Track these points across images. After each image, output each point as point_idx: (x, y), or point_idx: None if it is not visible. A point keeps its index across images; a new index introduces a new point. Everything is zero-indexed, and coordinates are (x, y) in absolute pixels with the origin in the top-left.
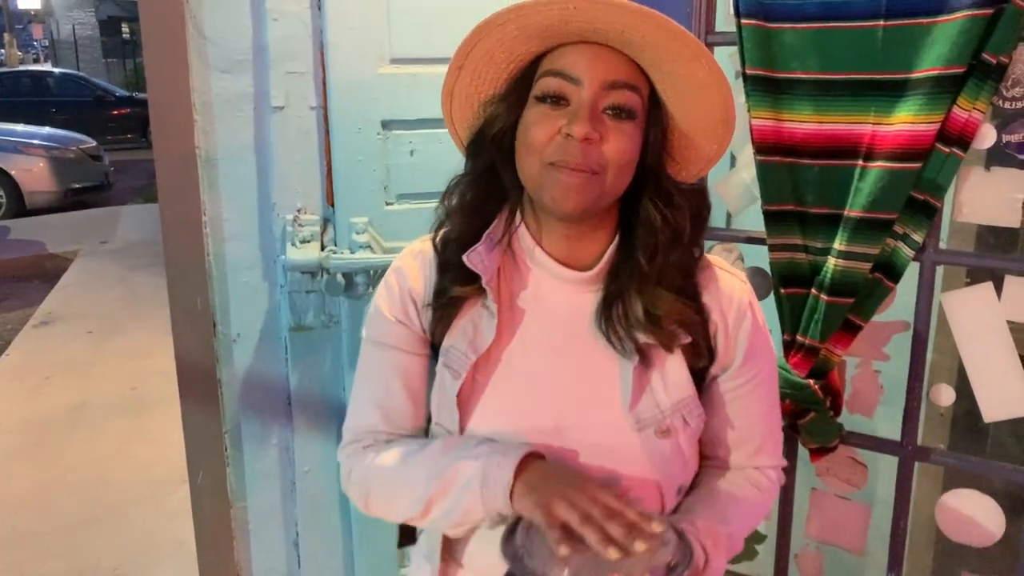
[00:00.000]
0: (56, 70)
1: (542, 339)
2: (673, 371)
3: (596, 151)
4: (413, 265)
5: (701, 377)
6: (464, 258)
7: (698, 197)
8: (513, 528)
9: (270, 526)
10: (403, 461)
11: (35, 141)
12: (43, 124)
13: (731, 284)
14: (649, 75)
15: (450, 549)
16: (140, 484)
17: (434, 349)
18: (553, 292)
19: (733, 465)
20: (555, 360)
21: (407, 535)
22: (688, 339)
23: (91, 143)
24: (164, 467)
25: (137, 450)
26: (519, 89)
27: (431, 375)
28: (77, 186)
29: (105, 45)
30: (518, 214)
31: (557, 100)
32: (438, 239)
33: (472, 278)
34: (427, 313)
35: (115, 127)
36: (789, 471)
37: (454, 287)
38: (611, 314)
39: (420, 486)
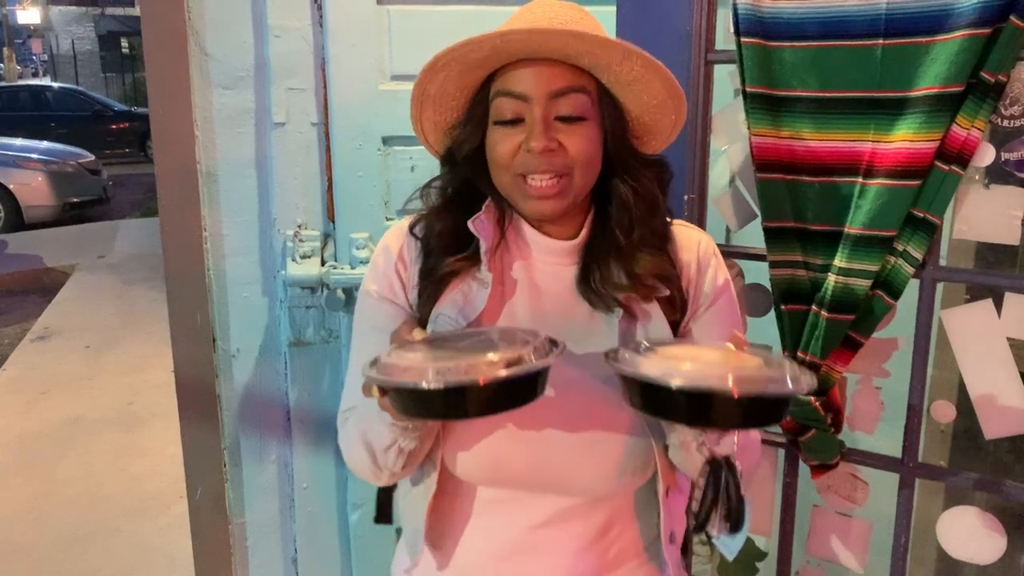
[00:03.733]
0: (55, 84)
1: (532, 306)
2: (655, 323)
3: (559, 156)
4: (397, 242)
5: (675, 331)
6: (470, 223)
7: (659, 167)
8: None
9: (268, 542)
10: (354, 419)
11: (33, 155)
12: (41, 138)
13: (696, 236)
14: (592, 73)
15: (433, 541)
16: (135, 499)
17: (423, 324)
18: (543, 265)
19: None
20: (543, 324)
21: (384, 512)
22: (667, 292)
23: (89, 157)
24: (159, 482)
25: (132, 465)
26: (477, 112)
27: None
28: (75, 200)
29: (104, 60)
30: (506, 203)
31: (513, 120)
32: (418, 228)
33: (462, 250)
34: (414, 291)
35: (113, 141)
36: (790, 488)
37: (445, 261)
38: (590, 280)
39: (357, 431)
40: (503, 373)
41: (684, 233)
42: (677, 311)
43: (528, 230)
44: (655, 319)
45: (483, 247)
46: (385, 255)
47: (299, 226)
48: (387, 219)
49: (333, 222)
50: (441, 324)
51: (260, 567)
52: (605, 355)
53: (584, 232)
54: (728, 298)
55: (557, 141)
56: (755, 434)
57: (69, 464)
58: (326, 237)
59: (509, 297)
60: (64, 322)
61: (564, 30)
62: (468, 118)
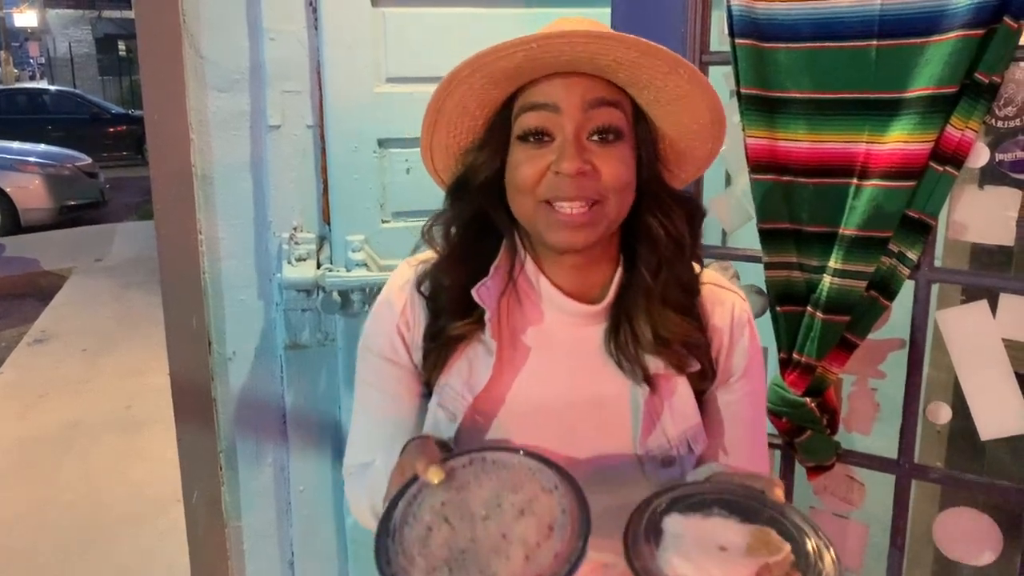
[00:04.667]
0: (52, 87)
1: (548, 376)
2: (681, 400)
3: (591, 182)
4: (401, 298)
5: (700, 399)
6: (473, 292)
7: (691, 204)
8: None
9: (265, 546)
10: (367, 483)
11: (30, 158)
12: (38, 141)
13: (731, 301)
14: (628, 91)
15: None
16: (134, 503)
17: (428, 386)
18: (560, 327)
19: None
20: (561, 396)
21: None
22: (697, 367)
23: (86, 160)
24: (158, 486)
25: (131, 469)
26: (498, 133)
27: (425, 408)
28: (72, 203)
29: (101, 63)
30: (521, 249)
31: (540, 136)
32: (425, 287)
33: (469, 313)
34: (419, 352)
35: (111, 144)
36: (786, 490)
37: (451, 325)
38: (620, 338)
39: (368, 498)
40: None
41: (717, 295)
42: (706, 380)
43: (547, 289)
44: (680, 396)
45: (487, 315)
46: (389, 311)
47: (295, 229)
48: (383, 221)
49: (329, 225)
50: (447, 396)
51: (257, 571)
52: (625, 532)
53: (613, 291)
54: (758, 366)
55: (591, 164)
56: None
57: (68, 468)
58: (322, 240)
59: (520, 365)
60: (61, 325)
61: (609, 33)
62: (487, 139)
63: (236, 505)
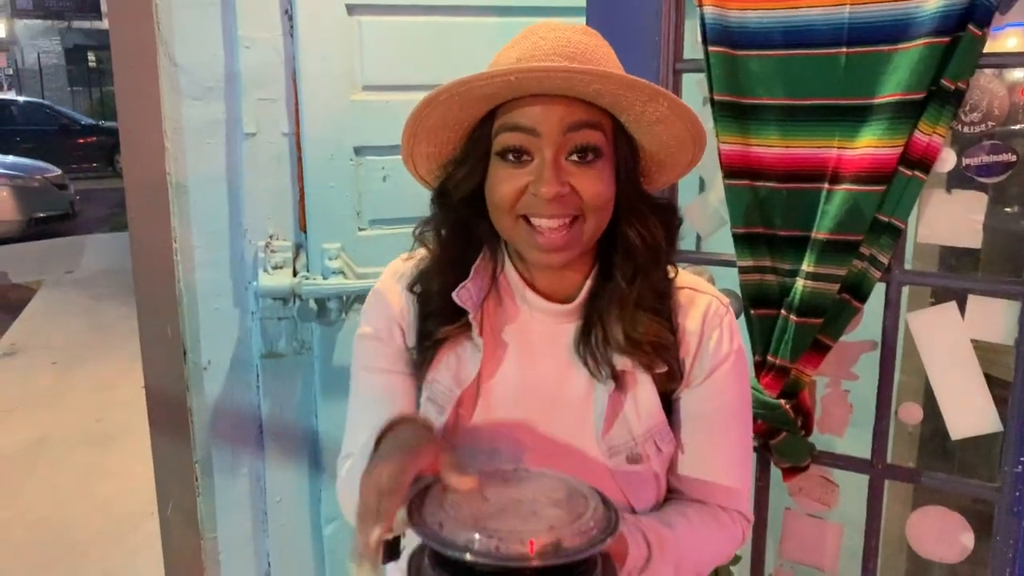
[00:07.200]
0: (20, 98)
1: (523, 372)
2: (644, 397)
3: (570, 201)
4: (395, 288)
5: (669, 403)
6: (454, 295)
7: (668, 212)
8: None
9: (241, 557)
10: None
11: None
12: (7, 153)
13: (705, 303)
14: (610, 111)
15: None
16: (102, 521)
17: (418, 380)
18: (536, 324)
19: (689, 497)
20: (534, 392)
21: (390, 551)
22: (664, 368)
23: (56, 172)
24: (128, 502)
25: (100, 485)
26: (478, 148)
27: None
28: (41, 215)
29: (71, 74)
30: (503, 252)
31: (519, 156)
32: (416, 288)
33: (457, 316)
34: (413, 336)
35: (80, 156)
36: (762, 490)
37: (440, 328)
38: (590, 339)
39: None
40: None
41: (693, 298)
42: (674, 382)
43: (523, 289)
44: (643, 393)
45: (471, 315)
46: (383, 296)
47: (270, 237)
48: (359, 229)
49: (305, 233)
50: (436, 391)
51: None
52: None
53: (584, 292)
54: (730, 371)
55: (569, 185)
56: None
57: (35, 486)
58: (298, 248)
59: (500, 360)
60: (30, 339)
61: (588, 69)
62: (467, 154)
63: (212, 516)
